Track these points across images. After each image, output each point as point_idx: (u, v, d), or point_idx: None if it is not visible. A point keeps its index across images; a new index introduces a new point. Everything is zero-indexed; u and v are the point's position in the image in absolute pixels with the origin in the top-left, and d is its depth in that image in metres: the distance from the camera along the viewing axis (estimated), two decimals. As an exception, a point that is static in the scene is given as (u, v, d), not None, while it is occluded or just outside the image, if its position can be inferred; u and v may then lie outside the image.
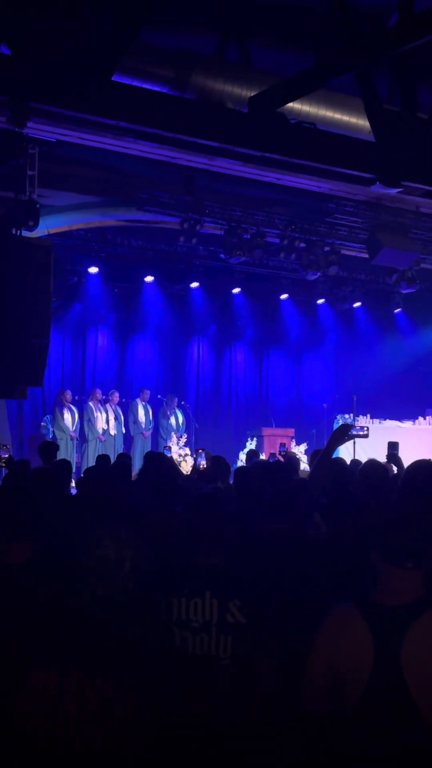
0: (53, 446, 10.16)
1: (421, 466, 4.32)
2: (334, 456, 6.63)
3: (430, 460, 4.64)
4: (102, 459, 9.70)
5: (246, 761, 2.88)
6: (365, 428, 7.42)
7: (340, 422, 17.31)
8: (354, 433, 6.29)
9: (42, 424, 16.01)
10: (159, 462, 7.89)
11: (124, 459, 9.49)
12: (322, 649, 2.82)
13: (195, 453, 8.75)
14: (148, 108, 8.14)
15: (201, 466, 8.34)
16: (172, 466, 8.46)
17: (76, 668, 2.34)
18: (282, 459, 9.48)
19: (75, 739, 2.27)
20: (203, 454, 8.56)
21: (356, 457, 12.41)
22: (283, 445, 10.32)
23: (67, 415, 15.41)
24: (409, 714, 2.65)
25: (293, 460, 9.23)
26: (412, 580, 2.80)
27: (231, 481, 7.64)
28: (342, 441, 5.85)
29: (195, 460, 8.70)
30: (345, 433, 5.78)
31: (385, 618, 2.75)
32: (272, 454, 10.40)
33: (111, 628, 2.38)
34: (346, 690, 2.74)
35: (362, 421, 17.21)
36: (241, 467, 8.62)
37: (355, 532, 4.03)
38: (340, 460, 7.35)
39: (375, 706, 2.69)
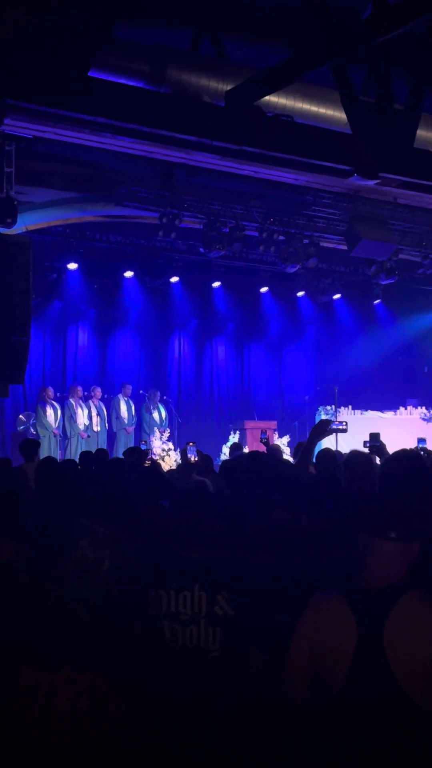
0: (34, 444, 10.16)
1: (401, 453, 4.39)
2: (318, 449, 6.72)
3: (410, 449, 4.70)
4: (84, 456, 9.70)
5: (239, 753, 2.90)
6: (344, 423, 7.51)
7: (322, 414, 17.40)
8: (334, 427, 6.41)
9: (21, 417, 15.82)
10: (138, 457, 7.93)
11: (104, 455, 9.53)
12: (303, 638, 2.88)
13: (186, 446, 8.78)
14: (124, 103, 8.14)
15: (192, 459, 8.38)
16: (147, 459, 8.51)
17: (68, 665, 2.35)
18: (263, 445, 9.56)
19: (68, 735, 2.28)
20: (194, 448, 8.58)
21: (338, 449, 12.47)
22: (264, 432, 10.38)
23: (49, 412, 15.37)
24: (394, 694, 2.70)
25: (276, 452, 9.27)
26: (395, 563, 2.85)
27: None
28: (323, 435, 6.02)
29: (185, 453, 8.72)
30: (325, 428, 5.94)
31: (368, 601, 2.80)
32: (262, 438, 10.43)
33: (100, 626, 2.38)
34: (328, 676, 2.79)
35: (344, 412, 17.30)
36: (228, 460, 8.65)
37: (343, 522, 4.07)
38: (329, 452, 7.40)
39: (359, 689, 2.74)
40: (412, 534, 2.89)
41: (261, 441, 10.09)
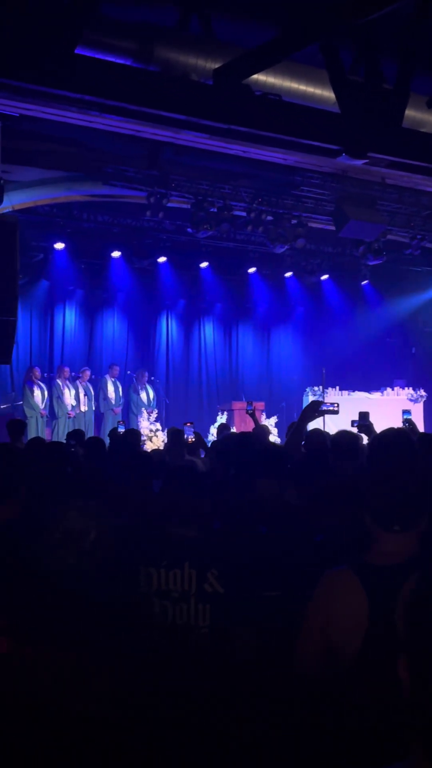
0: (21, 424, 10.18)
1: (389, 434, 4.39)
2: (309, 429, 6.76)
3: (396, 428, 4.72)
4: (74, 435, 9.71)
5: (225, 729, 2.92)
6: (335, 404, 7.55)
7: (310, 395, 17.45)
8: (324, 408, 6.44)
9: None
10: (123, 437, 7.96)
11: (80, 433, 9.57)
12: (317, 611, 2.86)
13: (183, 426, 8.80)
14: (112, 81, 8.06)
15: (189, 440, 8.39)
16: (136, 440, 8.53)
17: (51, 642, 2.35)
18: (249, 416, 9.62)
19: (52, 711, 2.29)
20: (191, 429, 8.58)
21: (326, 429, 12.51)
22: (250, 403, 10.44)
23: (36, 393, 15.35)
24: None
25: (263, 432, 9.32)
26: (404, 541, 2.85)
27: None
28: (313, 416, 6.04)
29: (182, 433, 8.73)
30: (316, 409, 5.98)
31: (379, 578, 2.78)
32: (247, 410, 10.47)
33: (84, 599, 2.39)
34: (340, 650, 2.79)
35: (331, 393, 17.35)
36: (216, 440, 8.70)
37: (330, 499, 4.08)
38: (318, 432, 7.45)
39: (370, 666, 2.73)
40: (416, 521, 2.87)
41: (247, 412, 10.15)
